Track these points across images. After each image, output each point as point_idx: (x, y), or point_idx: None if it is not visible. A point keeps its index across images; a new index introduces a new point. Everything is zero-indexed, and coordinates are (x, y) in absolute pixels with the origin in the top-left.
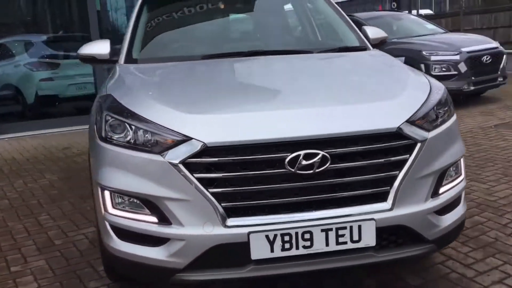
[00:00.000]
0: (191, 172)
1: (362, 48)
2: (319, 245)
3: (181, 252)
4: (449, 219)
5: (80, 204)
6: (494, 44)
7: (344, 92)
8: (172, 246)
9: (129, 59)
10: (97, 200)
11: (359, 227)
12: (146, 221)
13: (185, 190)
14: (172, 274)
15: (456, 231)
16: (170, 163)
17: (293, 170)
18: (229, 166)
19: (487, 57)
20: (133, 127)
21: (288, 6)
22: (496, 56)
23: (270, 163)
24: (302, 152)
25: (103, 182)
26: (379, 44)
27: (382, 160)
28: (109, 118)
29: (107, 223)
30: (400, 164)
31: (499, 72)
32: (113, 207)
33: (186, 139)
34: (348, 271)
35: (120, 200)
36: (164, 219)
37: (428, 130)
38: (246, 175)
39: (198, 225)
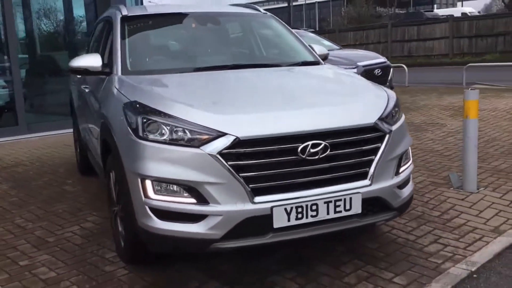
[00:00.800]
0: (226, 160)
1: (316, 63)
2: (322, 214)
3: (218, 225)
4: (405, 192)
5: (50, 208)
6: (383, 59)
7: (331, 96)
8: (210, 221)
9: (126, 71)
10: (135, 189)
11: (350, 199)
12: (186, 203)
13: (221, 175)
14: (210, 244)
15: (409, 201)
16: (209, 154)
17: (303, 156)
18: (255, 155)
19: (378, 70)
20: (169, 126)
21: (254, 28)
22: (385, 69)
23: (286, 151)
24: (310, 143)
25: (144, 172)
26: (323, 59)
27: (364, 147)
28: (145, 120)
29: (147, 207)
30: (375, 151)
31: (387, 84)
32: (154, 193)
33: (222, 134)
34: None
35: (160, 187)
36: (202, 200)
37: (391, 125)
38: (268, 161)
39: (232, 202)
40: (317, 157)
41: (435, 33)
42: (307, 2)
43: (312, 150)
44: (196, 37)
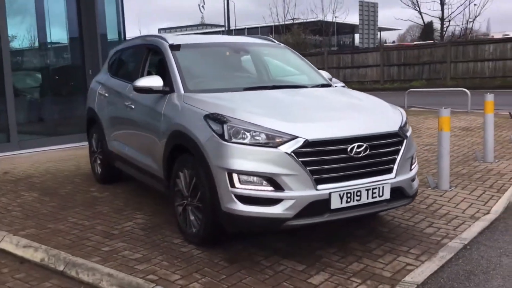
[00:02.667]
0: (297, 157)
1: (329, 85)
2: (364, 199)
3: (292, 207)
4: (415, 184)
5: (93, 210)
6: (342, 83)
7: (364, 110)
8: (285, 203)
9: (187, 90)
10: (221, 181)
11: (383, 187)
12: (265, 190)
13: (293, 169)
14: (284, 222)
15: (417, 192)
16: (285, 152)
17: (351, 154)
18: (318, 153)
19: None
20: (251, 131)
21: (276, 56)
22: None
23: (340, 151)
24: (356, 144)
25: (232, 167)
26: None
27: (390, 148)
28: (230, 127)
29: (232, 195)
30: (397, 152)
31: None
32: (240, 183)
33: (294, 137)
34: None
35: (244, 178)
36: (278, 187)
37: (406, 132)
38: (327, 158)
39: (301, 189)
40: (360, 155)
41: (368, 61)
42: (237, 27)
43: (357, 150)
44: (234, 62)
